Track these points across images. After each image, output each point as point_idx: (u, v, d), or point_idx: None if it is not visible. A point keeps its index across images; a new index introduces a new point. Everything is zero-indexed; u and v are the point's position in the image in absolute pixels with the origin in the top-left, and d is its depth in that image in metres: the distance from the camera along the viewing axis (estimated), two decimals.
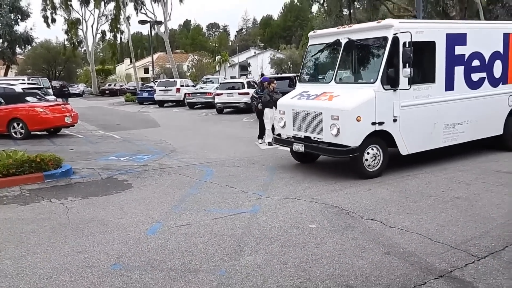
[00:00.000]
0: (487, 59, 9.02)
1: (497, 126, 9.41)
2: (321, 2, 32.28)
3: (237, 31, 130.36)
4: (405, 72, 7.43)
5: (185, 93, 27.30)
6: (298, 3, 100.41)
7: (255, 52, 72.85)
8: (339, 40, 8.33)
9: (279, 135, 9.06)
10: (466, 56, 8.68)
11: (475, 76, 8.86)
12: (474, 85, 8.86)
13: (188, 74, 57.73)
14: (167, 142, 13.04)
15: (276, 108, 9.98)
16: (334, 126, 7.55)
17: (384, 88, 7.63)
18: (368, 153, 7.73)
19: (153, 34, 43.85)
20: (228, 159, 10.10)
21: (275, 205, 6.52)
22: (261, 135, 12.23)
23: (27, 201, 7.17)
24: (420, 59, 7.96)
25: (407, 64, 7.38)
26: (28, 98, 14.93)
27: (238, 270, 4.36)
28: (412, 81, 7.68)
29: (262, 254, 4.73)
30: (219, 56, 72.35)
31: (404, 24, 7.79)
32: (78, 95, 47.14)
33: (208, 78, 35.22)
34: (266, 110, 11.68)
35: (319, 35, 9.08)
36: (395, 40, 7.57)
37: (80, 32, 49.97)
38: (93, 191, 7.71)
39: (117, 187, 7.95)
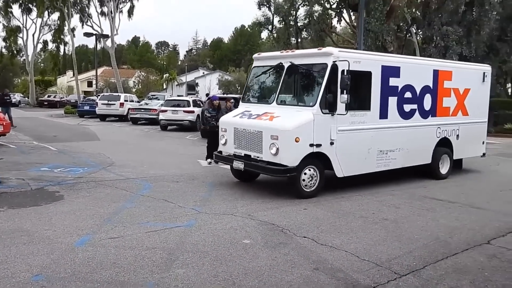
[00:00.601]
0: (418, 92, 9.61)
1: (426, 155, 9.97)
2: (270, 29, 33.07)
3: (186, 51, 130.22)
4: (342, 98, 7.76)
5: (129, 108, 26.73)
6: (248, 29, 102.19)
7: (203, 73, 73.01)
8: (282, 63, 8.60)
9: (220, 152, 9.11)
10: (399, 88, 9.22)
11: (407, 107, 9.40)
12: (406, 115, 9.40)
13: (134, 90, 56.69)
14: (105, 156, 12.67)
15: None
16: (273, 146, 7.71)
17: (322, 112, 7.89)
18: (305, 173, 7.93)
19: (99, 47, 42.82)
20: (168, 175, 9.98)
21: (211, 220, 6.51)
22: (210, 155, 11.37)
23: None
24: (357, 87, 8.33)
25: (344, 91, 7.72)
26: None
27: (167, 283, 4.31)
28: (349, 107, 8.02)
29: (193, 268, 4.70)
30: (167, 74, 71.85)
31: (343, 53, 8.18)
32: (13, 105, 44.69)
33: (154, 95, 34.77)
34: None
35: (264, 57, 9.35)
36: (334, 67, 7.90)
37: (19, 41, 47.75)
38: (20, 201, 7.33)
39: (47, 198, 7.61)
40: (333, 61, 7.90)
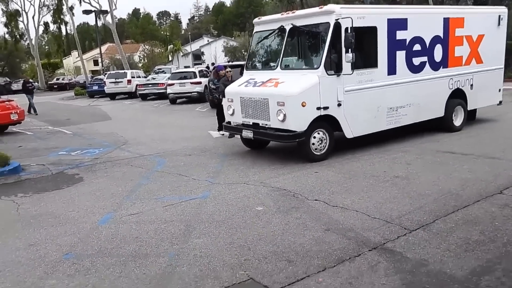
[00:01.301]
0: (427, 44, 9.34)
1: (439, 108, 9.86)
2: None
3: (189, 19, 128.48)
4: (347, 57, 7.70)
5: (137, 85, 26.87)
6: None
7: (208, 41, 72.19)
8: (283, 26, 8.47)
9: (229, 122, 9.22)
10: (407, 41, 8.98)
11: (416, 60, 9.19)
12: (415, 69, 9.21)
13: (140, 65, 56.57)
14: (118, 135, 12.94)
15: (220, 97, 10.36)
16: (280, 112, 7.77)
17: (327, 74, 7.83)
18: (314, 137, 8.01)
19: (99, 24, 42.51)
20: (180, 149, 10.20)
21: (225, 190, 6.74)
22: (221, 126, 11.24)
23: None
24: (363, 44, 8.20)
25: (349, 50, 7.65)
26: None
27: (186, 252, 4.57)
28: (355, 66, 7.94)
29: (210, 237, 4.95)
30: (172, 46, 71.28)
31: (345, 10, 7.97)
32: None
33: (160, 69, 34.69)
34: (224, 100, 10.78)
35: (264, 21, 9.16)
36: (337, 25, 7.76)
37: (21, 25, 47.72)
38: (44, 186, 7.65)
39: (67, 181, 7.92)
40: (336, 19, 7.75)
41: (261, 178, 7.29)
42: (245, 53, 51.64)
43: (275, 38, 8.88)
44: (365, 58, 8.45)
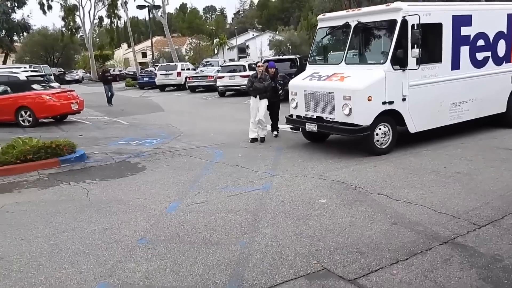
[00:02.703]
0: (491, 39, 9.30)
1: (501, 104, 9.72)
2: None
3: (234, 14, 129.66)
4: (413, 53, 7.76)
5: (186, 77, 27.45)
6: None
7: (253, 35, 72.61)
8: (348, 23, 8.63)
9: (291, 115, 9.36)
10: (471, 37, 8.96)
11: (479, 55, 9.14)
12: (478, 64, 9.16)
13: (187, 57, 57.62)
14: (173, 126, 13.32)
15: (260, 98, 9.96)
16: (346, 106, 7.86)
17: (393, 69, 7.93)
18: (378, 131, 8.09)
19: (149, 18, 43.64)
20: (235, 141, 10.40)
21: (285, 182, 6.85)
22: (275, 126, 10.85)
23: (47, 184, 7.49)
24: (428, 40, 8.18)
25: (415, 45, 7.71)
26: (33, 86, 15.13)
27: (257, 241, 4.71)
28: (419, 61, 7.97)
29: (278, 227, 5.08)
30: (217, 39, 72.10)
31: (413, 7, 8.02)
32: (77, 81, 47.20)
33: (208, 61, 35.34)
34: (251, 99, 10.39)
35: (329, 18, 9.39)
36: (404, 22, 7.85)
37: (77, 19, 49.79)
38: (109, 174, 8.03)
39: (131, 169, 8.27)
40: (403, 16, 7.84)
41: (319, 171, 7.35)
42: (290, 47, 51.61)
43: (339, 33, 9.04)
44: (430, 53, 8.40)
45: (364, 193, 6.12)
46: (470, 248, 4.29)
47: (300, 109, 8.93)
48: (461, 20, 8.72)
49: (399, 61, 7.94)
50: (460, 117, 9.04)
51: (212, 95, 23.57)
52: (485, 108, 9.41)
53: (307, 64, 9.63)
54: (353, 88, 7.74)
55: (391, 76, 7.87)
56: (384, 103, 7.92)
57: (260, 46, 57.14)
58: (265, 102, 10.12)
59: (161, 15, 38.01)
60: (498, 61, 9.48)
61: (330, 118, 8.20)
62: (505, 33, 9.52)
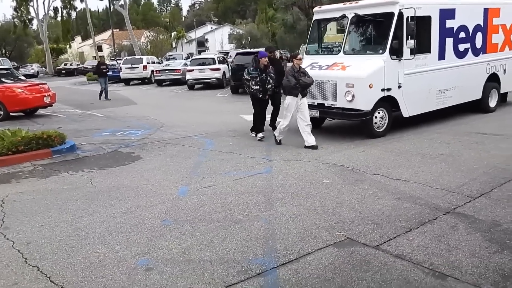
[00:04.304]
0: (470, 31, 10.19)
1: (477, 91, 10.71)
2: None
3: (189, 6, 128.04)
4: (409, 44, 8.47)
5: (152, 71, 27.22)
6: None
7: (211, 28, 72.37)
8: (345, 15, 9.22)
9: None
10: (455, 29, 9.82)
11: (461, 47, 10.02)
12: (460, 54, 10.05)
13: (145, 51, 56.73)
14: (152, 118, 13.36)
15: (303, 96, 8.33)
16: (349, 93, 8.44)
17: (391, 58, 8.59)
18: (376, 116, 8.77)
19: (101, 10, 42.60)
20: (221, 131, 10.65)
21: (285, 166, 7.22)
22: (256, 126, 9.55)
23: (44, 174, 7.48)
24: (419, 31, 8.86)
25: (409, 37, 8.41)
26: (2, 79, 14.67)
27: (278, 218, 5.05)
28: (414, 51, 8.68)
29: (292, 205, 5.44)
30: (175, 32, 71.32)
31: (408, 1, 8.67)
32: (32, 76, 45.37)
33: (171, 55, 35.07)
34: (289, 98, 8.40)
35: (325, 10, 10.03)
36: (400, 15, 8.53)
37: (30, 9, 47.75)
38: (106, 163, 8.10)
39: (126, 158, 8.37)
40: (399, 9, 8.49)
41: (314, 156, 7.77)
42: (250, 40, 52.00)
43: (336, 25, 9.54)
44: (421, 45, 9.07)
45: (362, 174, 6.59)
46: (470, 216, 4.83)
47: None
48: (446, 14, 9.52)
49: (396, 52, 8.61)
50: (445, 103, 9.91)
51: (181, 88, 23.56)
52: (465, 95, 10.35)
53: (304, 55, 10.08)
54: (356, 76, 8.28)
55: (389, 65, 8.55)
56: (383, 90, 8.60)
57: (221, 39, 57.12)
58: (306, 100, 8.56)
59: (121, 5, 37.24)
60: (476, 52, 10.39)
61: (332, 105, 8.69)
62: (482, 26, 10.43)
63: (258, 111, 9.40)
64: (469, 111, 10.82)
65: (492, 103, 11.09)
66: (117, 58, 33.84)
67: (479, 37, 10.35)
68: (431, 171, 6.54)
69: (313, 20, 10.23)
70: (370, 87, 8.41)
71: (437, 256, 3.97)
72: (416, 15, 8.47)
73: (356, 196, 5.63)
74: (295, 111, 8.36)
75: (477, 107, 10.86)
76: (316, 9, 10.17)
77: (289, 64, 10.49)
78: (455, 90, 9.96)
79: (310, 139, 8.33)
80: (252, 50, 22.31)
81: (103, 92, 19.87)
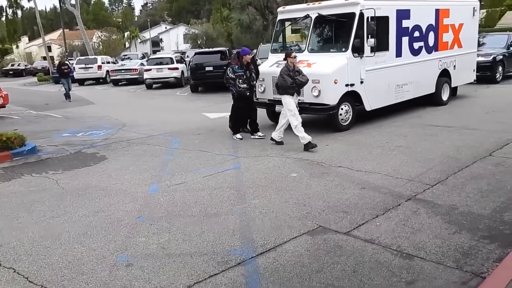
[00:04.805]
0: (424, 31, 10.86)
1: (431, 85, 11.44)
2: None
3: (142, 6, 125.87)
4: (369, 42, 8.94)
5: (107, 70, 26.67)
6: None
7: (166, 28, 71.47)
8: (309, 15, 9.59)
9: (258, 99, 10.04)
10: (410, 28, 10.45)
11: (416, 45, 10.68)
12: (415, 52, 10.70)
13: (97, 51, 55.25)
14: (113, 118, 13.19)
15: (298, 95, 8.26)
16: (315, 89, 8.79)
17: (354, 56, 9.05)
18: (341, 110, 9.17)
19: (48, 10, 41.12)
20: (186, 129, 10.69)
21: (253, 162, 7.40)
22: (237, 126, 9.40)
23: (6, 177, 7.28)
24: (378, 31, 9.32)
25: (370, 36, 8.89)
26: None
27: (251, 210, 5.22)
28: (372, 49, 9.14)
29: (264, 198, 5.62)
30: (128, 32, 69.94)
31: (368, 2, 9.16)
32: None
33: (126, 55, 34.44)
34: (286, 97, 8.11)
35: (289, 10, 10.37)
36: (361, 15, 9.01)
37: None
38: (70, 164, 7.97)
39: (92, 159, 8.27)
40: (360, 10, 8.94)
41: (280, 151, 7.99)
42: (206, 40, 51.82)
43: (300, 25, 9.88)
44: (380, 43, 9.55)
45: (327, 167, 6.88)
46: (430, 202, 5.20)
47: (267, 93, 9.71)
48: (402, 14, 10.10)
49: (358, 49, 9.06)
50: (402, 97, 10.52)
51: (139, 87, 23.25)
52: (420, 89, 11.02)
53: (269, 53, 10.43)
54: (322, 73, 8.62)
55: (352, 62, 8.99)
56: (346, 85, 9.05)
57: (176, 39, 56.54)
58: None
59: (72, 5, 36.12)
60: (429, 50, 11.07)
61: (299, 100, 8.94)
62: (434, 25, 11.11)
63: (243, 110, 9.23)
64: (422, 105, 11.43)
65: (445, 96, 11.86)
66: (69, 58, 32.81)
67: (431, 36, 11.03)
68: (391, 162, 6.91)
69: (277, 20, 10.60)
70: (335, 83, 8.80)
71: (403, 239, 4.28)
72: (375, 15, 8.97)
73: (324, 188, 5.89)
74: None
75: (431, 100, 11.57)
76: (280, 9, 10.51)
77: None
78: (411, 85, 10.58)
79: (279, 135, 8.45)
80: (211, 49, 22.36)
81: (67, 94, 19.03)
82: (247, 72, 8.94)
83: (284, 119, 8.35)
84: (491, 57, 15.62)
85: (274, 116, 10.12)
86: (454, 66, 11.90)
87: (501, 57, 16.07)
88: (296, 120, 8.04)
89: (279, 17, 10.48)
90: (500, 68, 16.09)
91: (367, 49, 9.08)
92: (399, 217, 4.80)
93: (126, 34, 68.96)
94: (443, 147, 7.68)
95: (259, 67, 9.84)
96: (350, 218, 4.82)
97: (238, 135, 9.23)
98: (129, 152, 8.62)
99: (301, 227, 4.67)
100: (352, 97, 9.31)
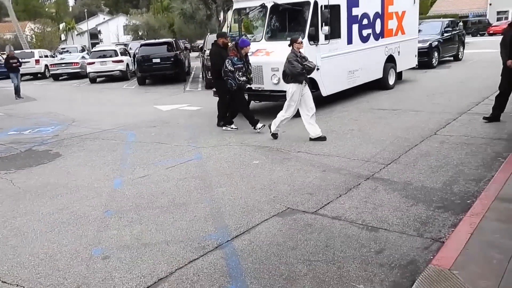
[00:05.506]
0: (371, 18, 11.34)
1: (379, 71, 12.03)
2: None
3: None
4: (324, 30, 9.25)
5: (46, 65, 25.49)
6: None
7: (104, 18, 69.06)
8: (264, 4, 9.77)
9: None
10: (359, 16, 10.87)
11: (365, 32, 11.14)
12: (364, 39, 11.17)
13: (31, 45, 52.45)
14: (60, 114, 12.74)
15: (306, 83, 7.81)
16: (274, 77, 9.07)
17: (309, 43, 9.33)
18: None
19: None
20: (139, 122, 10.57)
21: (213, 151, 7.50)
22: (230, 118, 9.20)
23: None
24: (330, 19, 9.64)
25: (324, 24, 9.21)
26: None
27: (220, 198, 5.35)
28: (326, 37, 9.49)
29: (230, 185, 5.76)
30: (63, 24, 66.91)
31: None
32: None
33: (64, 48, 33.04)
34: (293, 86, 7.70)
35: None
36: (315, 4, 9.35)
37: None
38: (22, 163, 7.69)
39: (45, 157, 8.01)
40: None
41: (239, 140, 8.14)
42: (148, 32, 50.63)
43: (256, 13, 10.13)
44: (332, 31, 9.88)
45: (287, 152, 7.12)
46: (387, 180, 5.57)
47: None
48: (352, 2, 10.50)
49: (313, 37, 9.38)
50: (354, 82, 11.00)
51: (82, 82, 22.46)
52: (370, 74, 11.55)
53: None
54: (280, 61, 8.62)
55: (308, 50, 9.18)
56: None
57: (116, 30, 54.78)
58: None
59: None
60: (376, 37, 11.59)
61: (260, 88, 9.12)
62: (380, 13, 11.62)
63: (243, 102, 8.97)
64: (369, 90, 11.97)
65: (391, 81, 12.54)
66: (1, 52, 30.92)
67: (378, 23, 11.57)
68: (346, 145, 7.27)
69: (233, 9, 10.71)
70: None
71: (367, 214, 4.58)
72: (329, 3, 9.33)
73: (286, 172, 6.11)
74: (298, 100, 7.75)
75: (379, 85, 12.18)
76: None
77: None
78: (362, 71, 11.09)
79: (317, 130, 7.72)
80: (157, 41, 21.97)
81: (17, 90, 17.70)
82: (244, 63, 8.60)
83: (303, 111, 7.86)
84: (428, 43, 16.54)
85: None
86: (399, 52, 12.56)
87: (436, 43, 17.08)
88: (290, 113, 7.76)
89: (235, 6, 10.60)
90: (436, 54, 17.11)
91: (321, 36, 9.42)
92: (361, 195, 5.12)
93: (61, 26, 65.93)
94: (392, 128, 8.16)
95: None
96: (315, 199, 5.08)
97: (259, 124, 8.62)
98: (85, 148, 8.43)
99: (270, 210, 4.86)
100: (308, 84, 9.57)
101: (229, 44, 8.97)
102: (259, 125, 8.64)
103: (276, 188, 5.52)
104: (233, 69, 8.41)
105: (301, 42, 7.82)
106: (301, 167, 6.30)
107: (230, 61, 8.45)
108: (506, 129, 7.54)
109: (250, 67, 8.70)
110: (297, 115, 7.98)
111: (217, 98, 9.51)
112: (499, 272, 3.20)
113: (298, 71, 7.51)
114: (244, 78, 8.51)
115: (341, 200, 5.00)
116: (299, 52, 7.71)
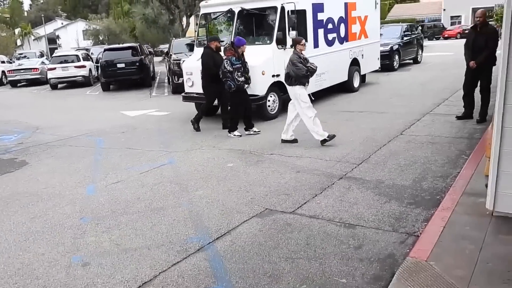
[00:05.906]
0: (336, 23, 11.62)
1: (344, 74, 12.30)
2: None
3: (31, 0, 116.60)
4: (291, 34, 9.35)
5: (3, 71, 24.61)
6: None
7: (62, 23, 67.27)
8: (232, 9, 9.81)
9: (187, 93, 10.25)
10: (324, 21, 11.12)
11: (330, 36, 11.40)
12: (329, 43, 11.43)
13: None
14: (22, 121, 12.36)
15: (308, 84, 7.69)
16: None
17: (278, 48, 9.53)
18: (269, 99, 9.65)
19: None
20: (107, 128, 10.40)
21: (187, 156, 7.49)
22: (248, 121, 8.78)
23: None
24: (298, 23, 9.84)
25: (291, 28, 9.40)
26: None
27: (197, 201, 5.37)
28: None
29: (207, 188, 5.79)
30: (19, 29, 64.80)
31: None
32: None
33: (22, 54, 31.99)
34: (298, 88, 7.51)
35: (212, 4, 10.47)
36: (282, 9, 9.52)
37: None
38: None
39: (11, 165, 7.78)
40: (281, 4, 9.43)
41: (211, 144, 8.16)
42: (109, 36, 49.69)
43: (224, 18, 10.15)
44: (299, 35, 9.91)
45: (260, 155, 7.20)
46: (359, 179, 5.75)
47: (197, 87, 9.83)
48: (317, 7, 10.73)
49: (281, 41, 9.52)
50: (321, 85, 11.20)
51: (43, 88, 21.80)
52: (335, 77, 11.82)
53: (195, 47, 10.51)
54: (251, 65, 8.81)
55: (276, 54, 9.44)
56: (273, 76, 9.56)
57: (75, 35, 53.49)
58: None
59: None
60: (341, 41, 11.87)
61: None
62: (344, 18, 11.91)
63: (240, 105, 8.64)
64: (335, 92, 12.26)
65: (356, 83, 12.87)
66: None
67: (342, 28, 11.88)
68: (318, 147, 7.42)
69: (200, 13, 10.70)
70: (263, 74, 9.26)
71: (343, 212, 4.73)
72: (295, 8, 9.52)
73: (261, 174, 6.20)
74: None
75: (344, 87, 12.49)
76: (202, 3, 10.62)
77: None
78: (328, 74, 11.32)
79: (291, 134, 7.80)
80: (121, 45, 21.64)
81: None
82: (243, 64, 8.41)
83: (293, 114, 7.69)
84: (389, 46, 17.10)
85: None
86: (362, 55, 12.93)
87: (397, 46, 17.66)
88: (312, 112, 7.45)
89: (202, 10, 10.62)
90: (397, 57, 17.69)
91: (289, 41, 9.54)
92: (335, 194, 5.26)
93: (17, 30, 63.79)
94: (360, 130, 8.40)
95: (182, 64, 9.95)
96: (292, 199, 5.18)
97: (237, 132, 8.57)
98: (53, 155, 8.23)
99: (249, 211, 4.93)
100: (278, 87, 9.77)
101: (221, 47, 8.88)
102: (236, 132, 8.56)
103: (253, 190, 5.59)
104: (231, 70, 8.21)
105: (304, 44, 7.62)
106: (275, 169, 6.40)
107: (228, 61, 8.27)
108: (466, 129, 7.92)
109: (247, 66, 8.54)
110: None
111: (189, 104, 9.63)
112: (472, 262, 3.40)
113: (303, 73, 7.34)
114: (242, 79, 8.33)
115: (317, 200, 5.13)
116: (302, 53, 7.52)
